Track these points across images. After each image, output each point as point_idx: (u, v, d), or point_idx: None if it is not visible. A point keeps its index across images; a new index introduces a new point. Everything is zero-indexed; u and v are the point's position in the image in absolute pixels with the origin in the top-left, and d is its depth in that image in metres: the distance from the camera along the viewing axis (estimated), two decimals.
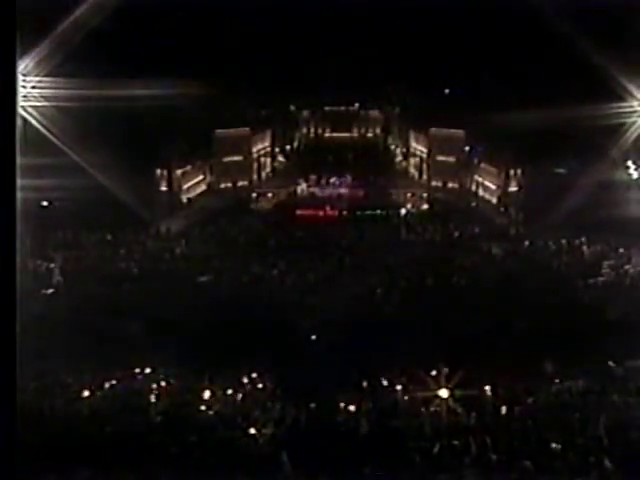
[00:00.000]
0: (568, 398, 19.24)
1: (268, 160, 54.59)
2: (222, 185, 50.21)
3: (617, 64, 32.20)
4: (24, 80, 30.87)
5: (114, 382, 20.62)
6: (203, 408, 18.61)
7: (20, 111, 30.87)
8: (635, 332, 22.12)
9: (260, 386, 21.10)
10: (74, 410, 18.20)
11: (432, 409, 17.85)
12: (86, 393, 19.43)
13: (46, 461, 13.19)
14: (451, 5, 39.02)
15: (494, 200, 46.50)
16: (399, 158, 56.96)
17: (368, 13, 44.36)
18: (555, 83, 39.00)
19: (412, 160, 54.40)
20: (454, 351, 21.73)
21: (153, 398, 19.07)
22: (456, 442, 15.61)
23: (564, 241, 37.53)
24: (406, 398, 19.19)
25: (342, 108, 56.91)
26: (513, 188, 44.95)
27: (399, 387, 20.03)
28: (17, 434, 7.41)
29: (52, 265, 33.26)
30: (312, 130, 57.68)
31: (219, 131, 49.32)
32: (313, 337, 26.01)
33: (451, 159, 49.91)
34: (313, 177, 50.66)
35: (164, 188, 45.03)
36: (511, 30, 40.44)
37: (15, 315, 6.86)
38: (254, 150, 52.20)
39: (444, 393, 18.09)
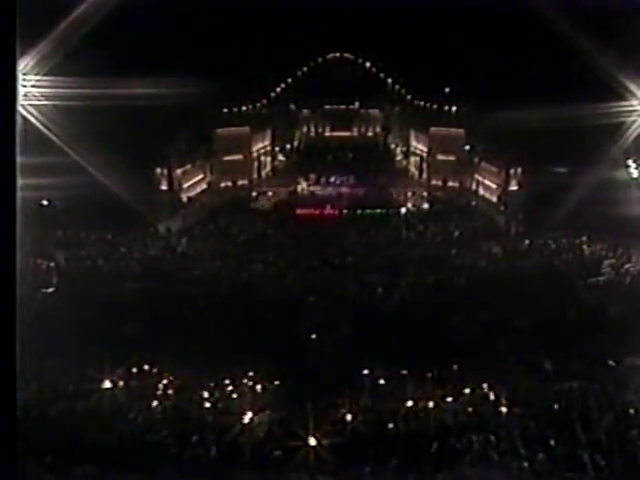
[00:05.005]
0: (568, 397, 19.21)
1: (268, 159, 54.65)
2: (222, 184, 50.23)
3: (617, 63, 32.17)
4: (24, 79, 30.83)
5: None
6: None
7: (20, 110, 30.83)
8: (635, 331, 22.10)
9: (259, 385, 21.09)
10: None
11: (432, 409, 17.83)
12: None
13: None
14: (451, 5, 39.03)
15: (494, 199, 46.49)
16: (399, 157, 57.02)
17: (368, 12, 44.37)
18: (555, 82, 38.97)
19: (412, 159, 54.49)
20: (454, 349, 21.74)
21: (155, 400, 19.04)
22: (456, 441, 15.61)
23: (564, 240, 37.53)
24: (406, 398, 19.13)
25: (342, 107, 56.95)
26: (513, 187, 44.93)
27: (398, 386, 19.99)
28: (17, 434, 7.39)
29: (52, 264, 33.23)
30: (312, 129, 57.72)
31: (219, 130, 49.33)
32: (313, 336, 25.95)
33: (451, 158, 49.93)
34: (313, 176, 50.68)
35: (164, 187, 44.99)
36: (511, 29, 40.44)
37: (15, 315, 6.84)
38: (254, 149, 52.22)
39: (444, 392, 18.10)
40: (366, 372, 21.00)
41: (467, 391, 18.43)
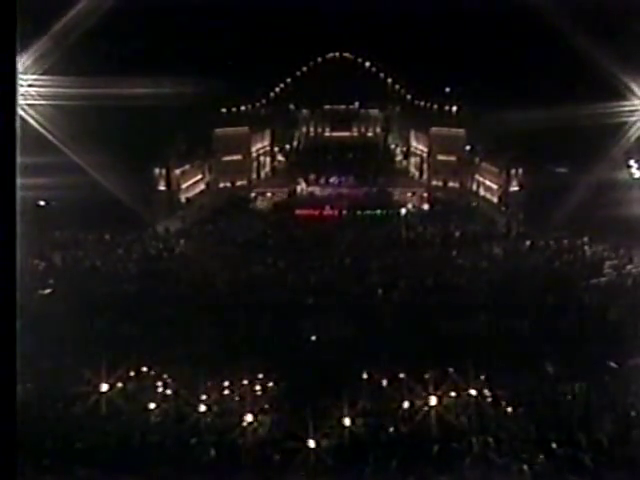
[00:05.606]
0: (569, 398, 19.14)
1: (267, 159, 54.47)
2: (221, 184, 50.09)
3: (619, 62, 32.08)
4: (21, 78, 30.64)
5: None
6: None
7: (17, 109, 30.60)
8: (637, 332, 22.02)
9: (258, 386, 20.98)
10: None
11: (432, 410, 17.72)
12: None
13: None
14: (451, 5, 39.01)
15: (495, 199, 46.39)
16: (399, 157, 56.84)
17: (368, 12, 44.28)
18: (557, 82, 38.88)
19: (412, 159, 54.34)
20: (454, 351, 21.66)
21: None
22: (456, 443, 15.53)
23: (565, 241, 37.43)
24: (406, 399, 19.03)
25: (342, 107, 56.76)
26: (514, 187, 44.82)
27: (400, 387, 19.88)
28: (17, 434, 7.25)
29: (49, 265, 33.08)
30: (312, 129, 57.54)
31: (218, 130, 49.18)
32: (313, 338, 25.87)
33: (452, 158, 49.81)
34: (312, 176, 50.52)
35: (163, 187, 44.84)
36: (512, 29, 40.35)
37: (15, 315, 6.71)
38: (253, 149, 52.07)
39: (445, 393, 18.01)
40: (366, 373, 20.93)
41: (467, 393, 18.33)
